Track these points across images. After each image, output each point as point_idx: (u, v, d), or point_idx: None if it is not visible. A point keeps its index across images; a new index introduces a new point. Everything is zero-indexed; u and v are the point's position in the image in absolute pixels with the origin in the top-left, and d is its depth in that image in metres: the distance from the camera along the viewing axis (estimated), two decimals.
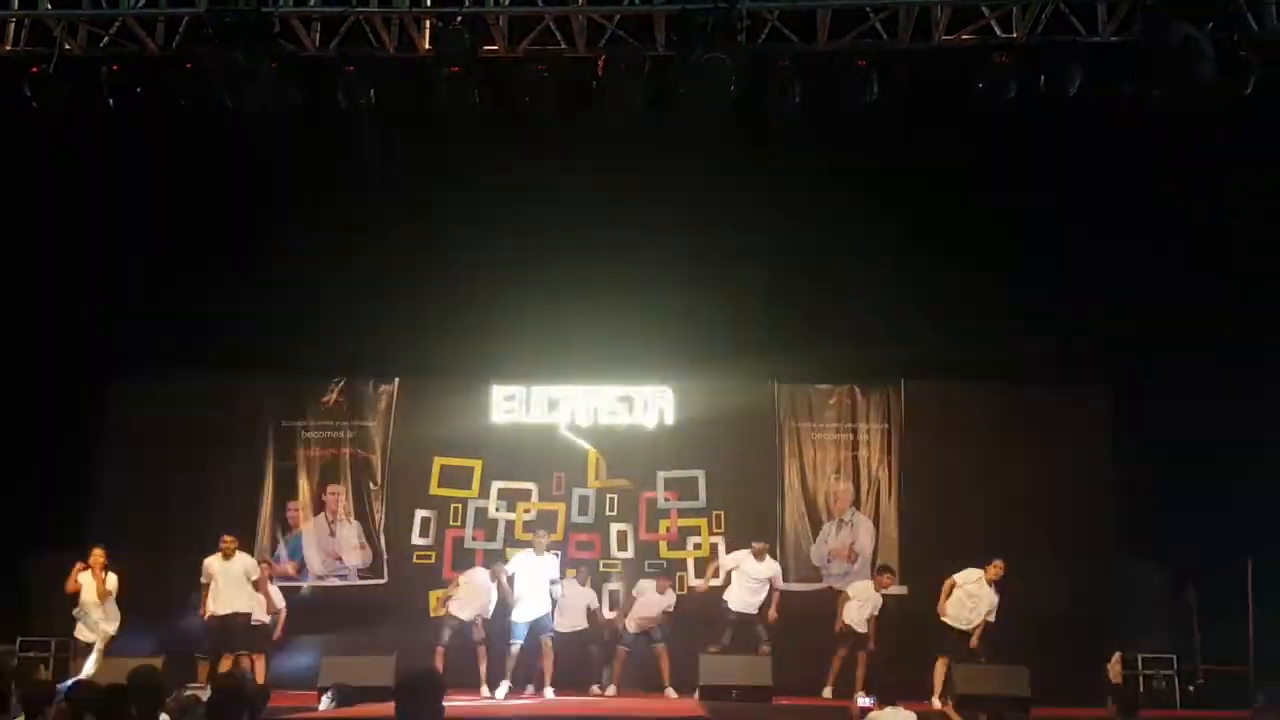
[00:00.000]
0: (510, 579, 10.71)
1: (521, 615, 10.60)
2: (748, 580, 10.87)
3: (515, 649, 10.55)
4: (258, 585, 10.40)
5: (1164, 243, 11.31)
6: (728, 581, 10.98)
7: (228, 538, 10.44)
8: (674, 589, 11.11)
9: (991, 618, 10.50)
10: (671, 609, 10.90)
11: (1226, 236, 11.10)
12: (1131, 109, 9.64)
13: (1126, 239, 11.37)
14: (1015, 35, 9.38)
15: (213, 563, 10.34)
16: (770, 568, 10.95)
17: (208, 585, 10.30)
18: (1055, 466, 11.72)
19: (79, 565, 10.13)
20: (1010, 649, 10.41)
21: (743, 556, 11.00)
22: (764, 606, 10.86)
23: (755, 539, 11.07)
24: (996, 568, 10.51)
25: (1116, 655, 10.85)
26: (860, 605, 10.77)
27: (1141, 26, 8.99)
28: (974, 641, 10.49)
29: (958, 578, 10.54)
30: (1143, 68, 9.06)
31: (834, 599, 11.08)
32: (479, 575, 10.82)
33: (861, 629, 10.72)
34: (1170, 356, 11.18)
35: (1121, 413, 11.67)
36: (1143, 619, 11.29)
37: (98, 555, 10.19)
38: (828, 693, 10.59)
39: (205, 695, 6.48)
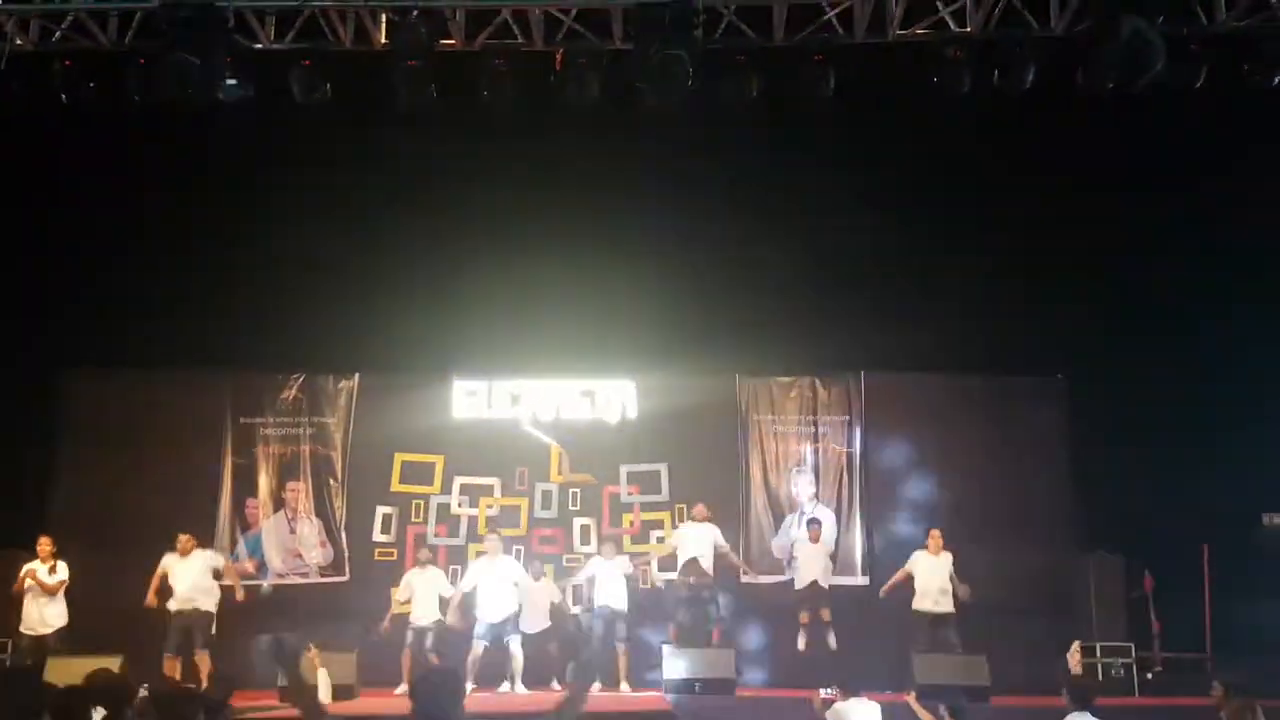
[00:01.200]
0: (471, 592, 10.71)
1: (486, 616, 10.56)
2: (694, 547, 10.97)
3: (479, 649, 10.48)
4: (219, 574, 10.43)
5: (1120, 234, 11.45)
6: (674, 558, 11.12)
7: (184, 536, 10.42)
8: (619, 551, 11.22)
9: (956, 582, 10.60)
10: (632, 571, 11.07)
11: (1181, 228, 11.26)
12: (1085, 101, 9.75)
13: (1082, 231, 11.49)
14: (969, 29, 9.47)
15: (170, 561, 10.34)
16: (710, 530, 11.08)
17: (162, 577, 10.26)
18: (1014, 457, 11.84)
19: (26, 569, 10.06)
20: (970, 638, 10.49)
21: (686, 528, 11.18)
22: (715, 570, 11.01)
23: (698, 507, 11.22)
24: (934, 537, 10.71)
25: (1076, 644, 10.94)
26: (808, 565, 10.98)
27: (1092, 20, 9.09)
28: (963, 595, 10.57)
29: (911, 570, 10.67)
30: (1094, 61, 9.16)
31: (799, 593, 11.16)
32: (425, 578, 10.79)
33: (824, 582, 10.98)
34: (1126, 348, 11.34)
35: (1078, 403, 11.79)
36: (1101, 607, 11.40)
37: (44, 545, 10.12)
38: (801, 644, 10.81)
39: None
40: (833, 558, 11.41)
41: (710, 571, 11.00)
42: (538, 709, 9.83)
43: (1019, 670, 10.54)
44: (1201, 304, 11.20)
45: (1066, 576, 11.53)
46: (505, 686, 10.53)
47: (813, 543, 11.24)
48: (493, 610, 10.55)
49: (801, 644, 10.87)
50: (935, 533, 10.83)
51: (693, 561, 10.99)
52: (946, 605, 10.59)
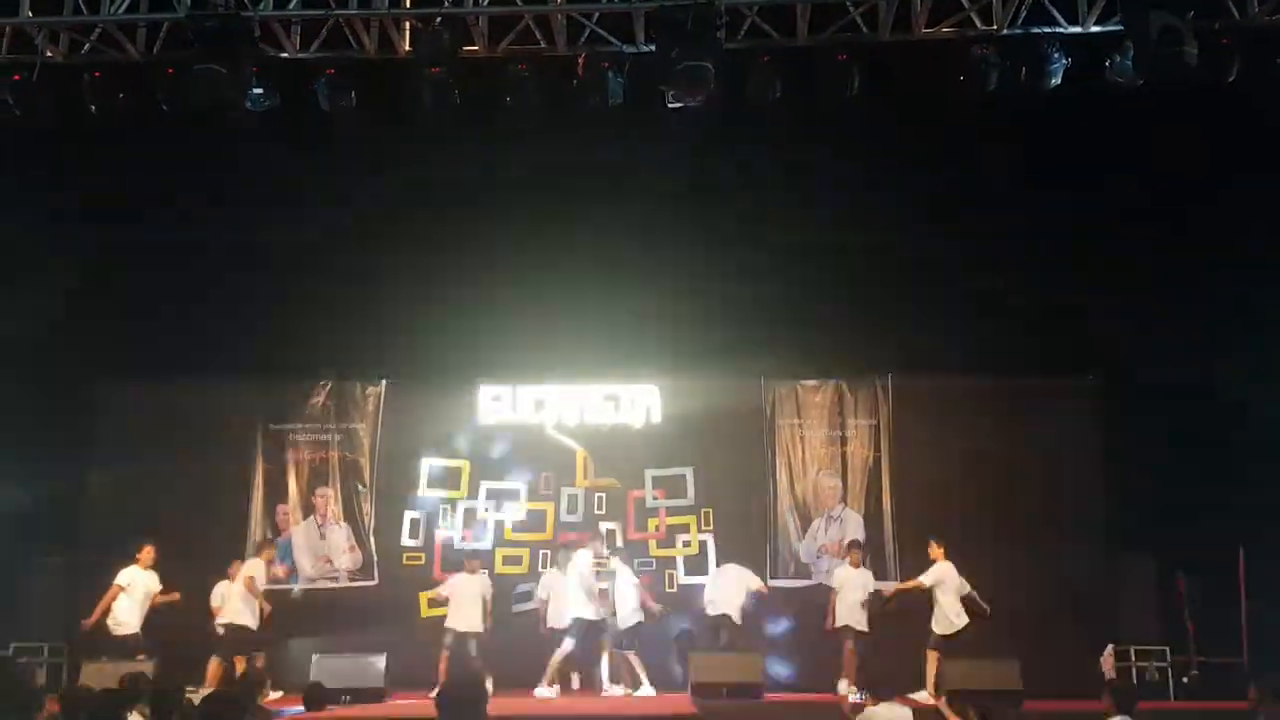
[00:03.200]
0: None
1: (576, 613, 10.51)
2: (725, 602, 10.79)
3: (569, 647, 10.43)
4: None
5: (1155, 234, 11.29)
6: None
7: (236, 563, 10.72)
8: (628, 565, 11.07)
9: (966, 589, 10.33)
10: (636, 582, 10.86)
11: (1217, 229, 11.09)
12: (1114, 99, 9.64)
13: (1115, 230, 11.35)
14: (995, 27, 9.37)
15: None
16: (743, 577, 10.87)
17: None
18: (1045, 459, 11.70)
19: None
20: (1002, 641, 10.39)
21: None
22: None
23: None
24: (935, 548, 10.45)
25: (1110, 647, 10.82)
26: (850, 592, 10.63)
27: (1122, 16, 8.98)
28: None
29: (927, 583, 10.39)
30: (1124, 57, 9.05)
31: (827, 596, 10.97)
32: (467, 584, 10.74)
33: (861, 625, 10.56)
34: (1160, 347, 11.18)
35: (1112, 404, 11.64)
36: (1135, 610, 11.25)
37: (149, 552, 10.31)
38: (842, 686, 10.38)
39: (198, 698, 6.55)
40: (863, 604, 10.65)
41: (740, 624, 10.81)
42: (561, 713, 9.85)
43: (1052, 674, 10.40)
44: (1236, 302, 11.03)
45: (1100, 579, 11.38)
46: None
47: (854, 568, 10.76)
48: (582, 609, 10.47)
49: (843, 688, 10.28)
50: (931, 544, 10.49)
51: (725, 617, 10.81)
52: (956, 626, 10.30)
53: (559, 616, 10.63)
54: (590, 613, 10.39)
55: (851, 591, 10.65)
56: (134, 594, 10.17)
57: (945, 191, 11.27)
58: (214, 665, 10.13)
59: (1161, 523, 11.07)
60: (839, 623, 10.60)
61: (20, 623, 11.06)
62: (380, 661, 10.31)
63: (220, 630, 10.41)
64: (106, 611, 10.07)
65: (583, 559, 10.63)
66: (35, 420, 11.42)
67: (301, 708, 8.95)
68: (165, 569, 10.91)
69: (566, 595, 10.56)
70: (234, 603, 10.38)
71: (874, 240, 11.49)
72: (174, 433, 11.88)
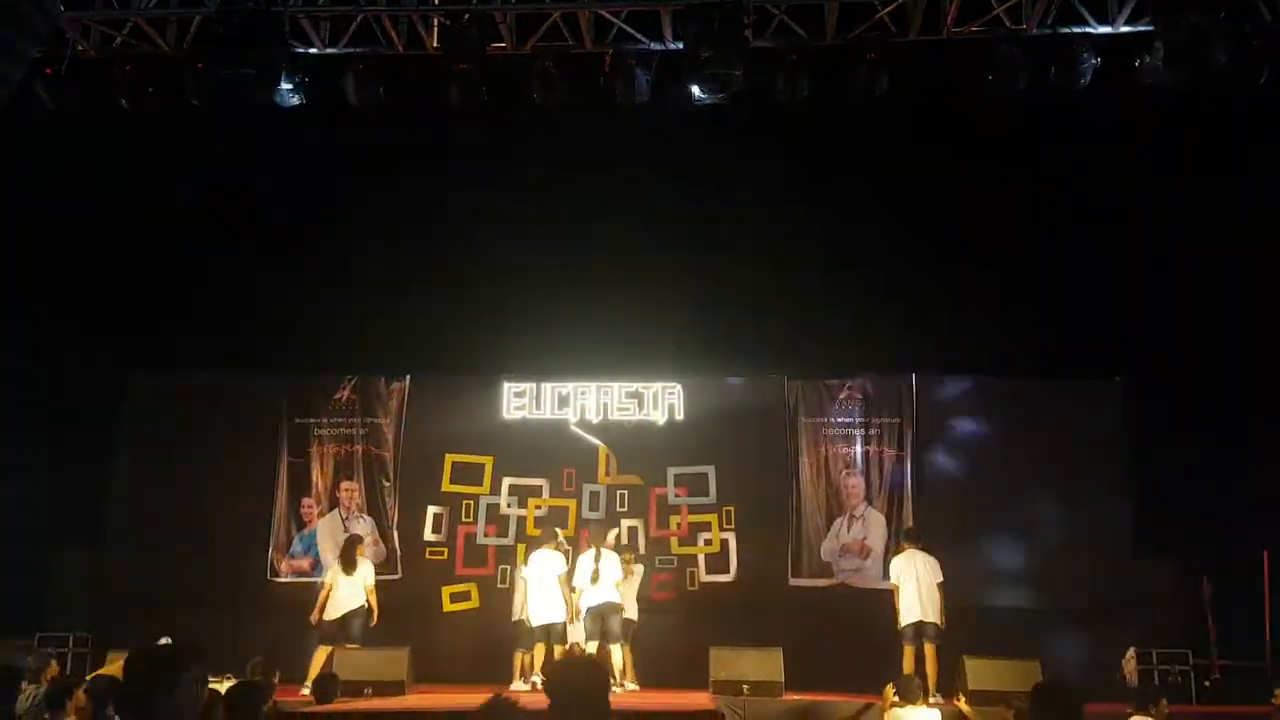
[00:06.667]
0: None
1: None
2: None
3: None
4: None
5: (1180, 235, 11.24)
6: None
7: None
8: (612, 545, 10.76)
9: (940, 577, 10.08)
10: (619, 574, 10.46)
11: (1240, 227, 11.04)
12: (1140, 102, 9.60)
13: (1140, 231, 11.31)
14: (1024, 27, 9.35)
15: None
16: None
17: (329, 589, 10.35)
18: (1069, 460, 11.64)
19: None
20: (1026, 642, 10.36)
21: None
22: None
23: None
24: (903, 548, 10.39)
25: (1131, 651, 10.76)
26: (912, 584, 10.08)
27: (1153, 16, 8.94)
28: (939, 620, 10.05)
29: (894, 581, 10.21)
30: (1154, 58, 9.01)
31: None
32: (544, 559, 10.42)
33: (931, 616, 10.01)
34: (1184, 349, 11.13)
35: (1137, 406, 11.58)
36: (1158, 613, 11.20)
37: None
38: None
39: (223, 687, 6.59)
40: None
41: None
42: None
43: (1075, 675, 10.39)
44: (1261, 304, 10.96)
45: (1123, 581, 11.32)
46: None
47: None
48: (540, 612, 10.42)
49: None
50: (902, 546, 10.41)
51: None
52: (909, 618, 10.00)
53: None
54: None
55: (915, 582, 10.06)
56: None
57: (969, 191, 11.23)
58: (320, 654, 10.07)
59: (1186, 525, 11.02)
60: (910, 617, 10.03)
61: (47, 614, 11.12)
62: (402, 655, 10.35)
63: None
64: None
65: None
66: (64, 413, 11.52)
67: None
68: (189, 562, 11.03)
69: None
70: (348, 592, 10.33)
71: (897, 238, 11.48)
72: (199, 426, 11.95)
